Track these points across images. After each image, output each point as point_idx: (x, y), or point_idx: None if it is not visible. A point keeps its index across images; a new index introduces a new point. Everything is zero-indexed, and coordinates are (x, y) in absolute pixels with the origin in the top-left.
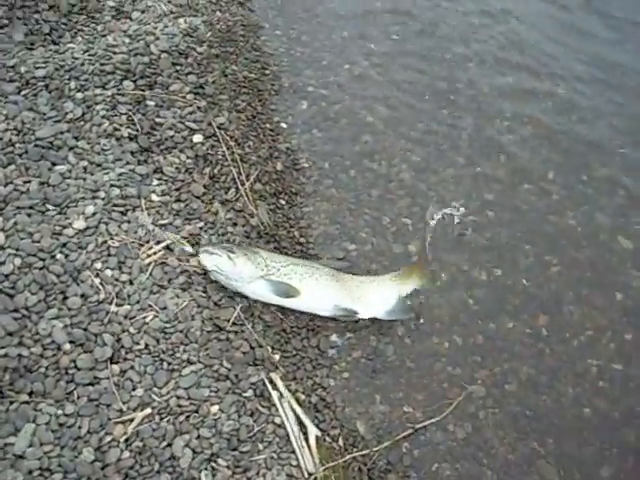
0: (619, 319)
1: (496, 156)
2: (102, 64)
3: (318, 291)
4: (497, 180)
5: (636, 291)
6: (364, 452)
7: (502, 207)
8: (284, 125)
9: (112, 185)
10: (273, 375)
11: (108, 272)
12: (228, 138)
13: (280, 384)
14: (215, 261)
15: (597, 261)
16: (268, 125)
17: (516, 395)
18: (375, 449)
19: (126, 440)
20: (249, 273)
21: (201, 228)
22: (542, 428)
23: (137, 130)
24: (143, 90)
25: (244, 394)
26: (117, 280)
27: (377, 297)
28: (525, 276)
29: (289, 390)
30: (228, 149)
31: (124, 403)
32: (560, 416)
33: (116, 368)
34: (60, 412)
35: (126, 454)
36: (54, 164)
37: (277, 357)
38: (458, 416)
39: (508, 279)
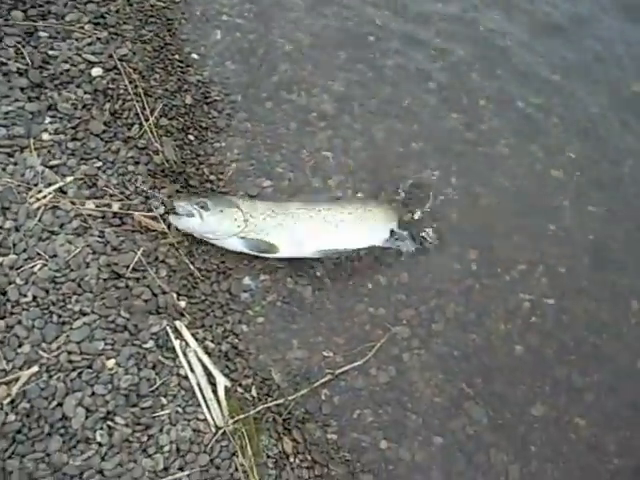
0: (551, 252)
1: (425, 84)
2: None
3: (296, 245)
4: (425, 109)
5: (569, 223)
6: (279, 401)
7: (428, 138)
8: (195, 56)
9: None
10: (178, 323)
11: None
12: (131, 71)
13: (186, 333)
14: (188, 224)
15: (529, 192)
16: (177, 56)
17: (443, 335)
18: (291, 398)
19: (11, 402)
20: (224, 230)
21: (99, 168)
22: (470, 368)
23: (27, 64)
24: (35, 21)
25: (144, 345)
26: (1, 227)
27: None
28: (453, 209)
29: (196, 339)
30: (131, 82)
31: (8, 362)
32: (490, 355)
33: (1, 324)
34: None
35: (12, 417)
36: None
37: (183, 304)
38: (381, 359)
39: (435, 213)
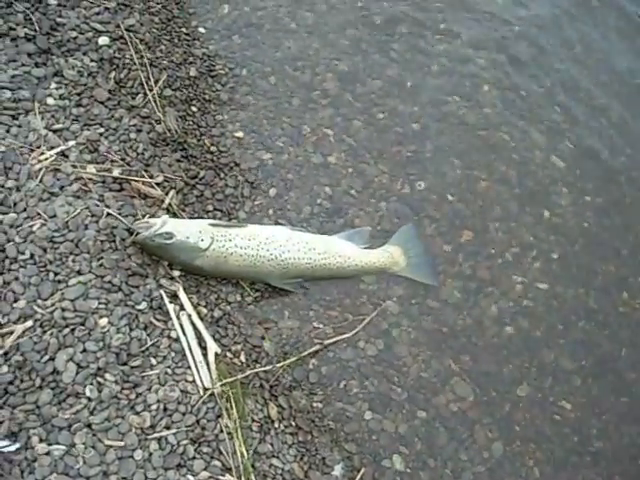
0: (546, 237)
1: (428, 67)
2: None
3: None
4: (427, 92)
5: (565, 210)
6: (267, 368)
7: (430, 118)
8: (202, 30)
9: (3, 87)
10: (176, 285)
11: None
12: (138, 41)
13: (183, 296)
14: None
15: (527, 178)
16: (184, 29)
17: (433, 312)
18: (279, 365)
19: (5, 354)
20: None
21: (101, 134)
22: (459, 346)
23: (35, 30)
24: None
25: (137, 306)
26: (2, 187)
27: None
28: (450, 190)
29: (191, 303)
30: (137, 53)
31: (4, 315)
32: (479, 334)
33: None
34: None
35: (4, 369)
36: None
37: (177, 273)
38: (370, 333)
39: (432, 193)
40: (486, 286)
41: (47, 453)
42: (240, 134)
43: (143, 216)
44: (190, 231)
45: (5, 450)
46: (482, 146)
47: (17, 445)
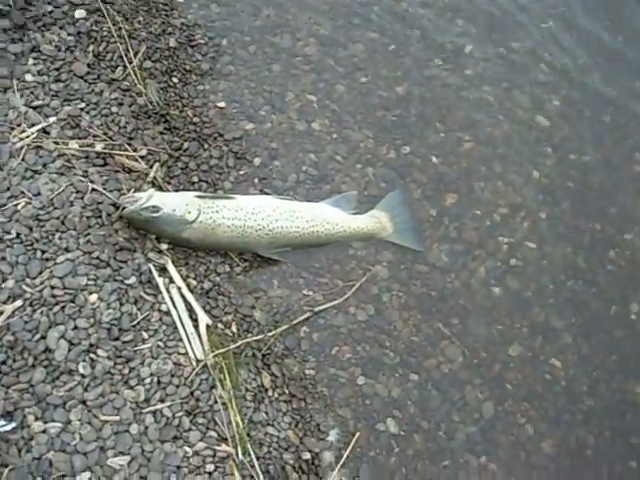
0: (534, 197)
1: (409, 30)
2: None
3: None
4: (409, 54)
5: (552, 169)
6: (258, 337)
7: (413, 82)
8: None
9: None
10: (165, 259)
11: None
12: (115, 13)
13: (172, 269)
14: None
15: (513, 138)
16: None
17: (422, 276)
18: (270, 334)
19: None
20: None
21: (82, 109)
22: (448, 309)
23: (9, 5)
24: None
25: (126, 281)
26: None
27: None
28: (434, 152)
29: (180, 276)
30: (114, 25)
31: None
32: (467, 296)
33: None
34: None
35: None
36: None
37: (165, 246)
38: (361, 298)
39: (416, 157)
40: (474, 248)
41: (43, 431)
42: (222, 104)
43: (128, 190)
44: (176, 204)
45: (1, 430)
46: (466, 107)
47: (13, 424)
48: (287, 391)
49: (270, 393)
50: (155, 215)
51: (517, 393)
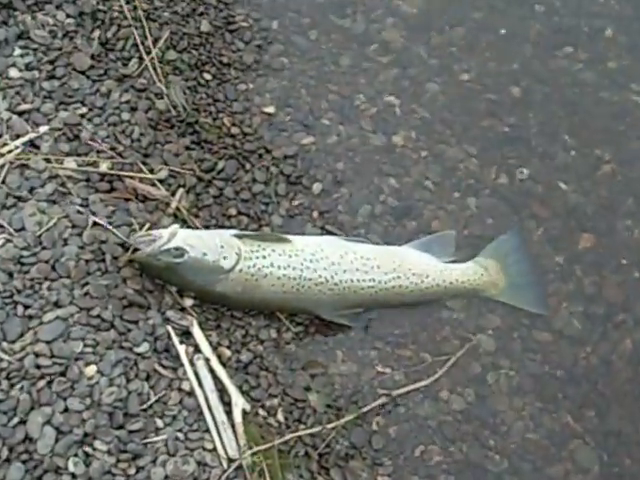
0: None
1: (527, 7)
2: None
3: None
4: (527, 41)
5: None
6: (314, 430)
7: (532, 79)
8: None
9: None
10: (189, 319)
11: None
12: None
13: (199, 334)
14: None
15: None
16: None
17: (543, 349)
18: (331, 426)
19: None
20: None
21: (83, 116)
22: (580, 396)
23: None
24: None
25: (136, 349)
26: None
27: None
28: (563, 177)
29: (210, 343)
30: (128, 2)
31: None
32: (608, 378)
33: None
34: None
35: None
36: None
37: (190, 302)
38: (456, 379)
39: (537, 183)
40: (617, 312)
41: None
42: (271, 109)
43: (142, 226)
44: (208, 245)
45: None
46: (606, 114)
47: None
48: None
49: None
50: (178, 260)
51: None
